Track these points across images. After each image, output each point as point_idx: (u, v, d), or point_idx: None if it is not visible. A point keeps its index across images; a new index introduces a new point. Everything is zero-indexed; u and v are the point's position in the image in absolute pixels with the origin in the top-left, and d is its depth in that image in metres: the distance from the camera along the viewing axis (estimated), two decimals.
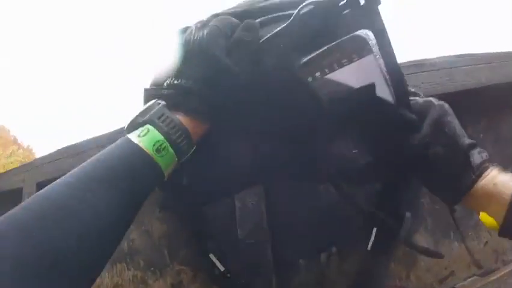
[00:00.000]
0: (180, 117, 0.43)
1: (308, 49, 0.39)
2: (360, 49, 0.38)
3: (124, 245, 1.17)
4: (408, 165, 0.46)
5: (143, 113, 0.43)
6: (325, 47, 0.39)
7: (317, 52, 0.39)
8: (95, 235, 0.35)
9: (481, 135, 1.08)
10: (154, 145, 0.40)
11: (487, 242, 1.11)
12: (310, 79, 0.40)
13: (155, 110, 0.42)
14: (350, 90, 0.39)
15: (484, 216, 0.44)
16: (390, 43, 0.39)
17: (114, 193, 0.37)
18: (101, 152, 0.40)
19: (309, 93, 0.41)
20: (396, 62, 0.41)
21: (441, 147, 0.43)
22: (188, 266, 1.08)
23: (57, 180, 0.38)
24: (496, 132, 1.10)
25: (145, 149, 0.40)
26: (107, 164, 0.39)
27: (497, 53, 1.24)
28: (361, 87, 0.39)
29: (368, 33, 0.37)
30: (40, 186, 1.32)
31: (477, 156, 0.44)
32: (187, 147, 0.43)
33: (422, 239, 1.03)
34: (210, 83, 0.42)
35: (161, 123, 0.41)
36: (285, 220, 0.90)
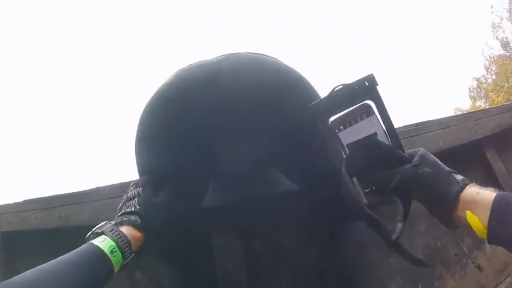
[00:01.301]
0: (124, 230, 0.67)
1: (335, 112, 0.63)
2: (367, 112, 0.61)
3: None
4: (403, 187, 0.58)
5: (100, 228, 0.66)
6: (346, 110, 0.62)
7: (339, 115, 0.62)
8: None
9: None
10: (109, 248, 0.62)
11: None
12: (336, 130, 0.63)
13: (107, 226, 0.67)
14: (360, 137, 0.61)
15: (469, 215, 0.52)
16: (385, 108, 0.60)
17: (81, 275, 0.56)
18: (73, 251, 0.59)
19: (335, 141, 0.63)
20: (391, 120, 0.61)
21: (429, 169, 0.57)
22: None
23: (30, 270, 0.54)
24: None
25: (103, 250, 0.61)
26: (77, 255, 0.59)
27: (451, 116, 1.40)
28: (368, 136, 0.61)
29: (371, 102, 0.60)
30: (4, 236, 1.27)
31: (458, 176, 0.57)
32: (129, 252, 0.65)
33: None
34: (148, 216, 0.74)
35: (112, 235, 0.64)
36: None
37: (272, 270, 0.97)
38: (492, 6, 15.07)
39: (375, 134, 0.60)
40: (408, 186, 0.57)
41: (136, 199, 0.76)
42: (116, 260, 0.61)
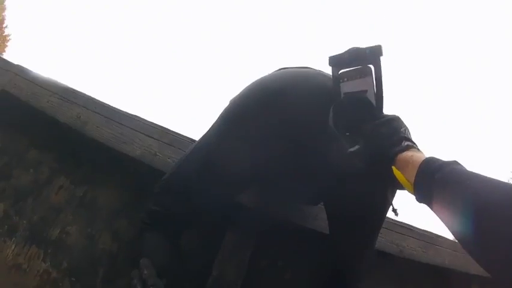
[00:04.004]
0: None
1: (346, 66, 0.74)
2: (367, 73, 0.71)
3: (55, 231, 0.99)
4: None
5: None
6: (351, 68, 0.73)
7: (347, 69, 0.73)
8: None
9: None
10: None
11: None
12: (341, 81, 0.74)
13: None
14: (355, 90, 0.73)
15: (394, 170, 0.62)
16: (381, 75, 0.70)
17: None
18: None
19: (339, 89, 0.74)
20: (382, 85, 0.71)
21: (386, 130, 0.67)
22: None
23: None
24: None
25: None
26: None
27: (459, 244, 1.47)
28: (361, 90, 0.72)
29: (371, 67, 0.71)
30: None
31: (410, 142, 0.65)
32: None
33: None
34: None
35: None
36: None
37: None
38: None
39: (366, 91, 0.72)
40: (365, 139, 0.68)
41: None
42: None
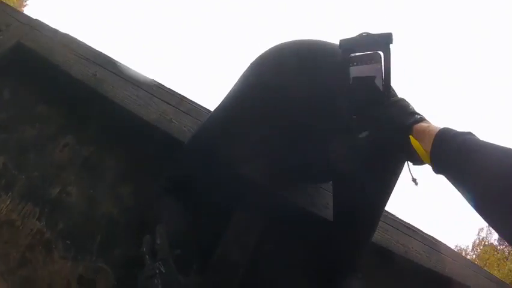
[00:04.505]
0: None
1: (356, 50, 0.74)
2: (376, 59, 0.72)
3: (54, 190, 0.94)
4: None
5: None
6: (362, 53, 0.73)
7: (357, 54, 0.73)
8: None
9: None
10: None
11: None
12: (351, 65, 0.74)
13: None
14: (363, 75, 0.74)
15: (412, 139, 0.63)
16: (390, 62, 0.71)
17: None
18: None
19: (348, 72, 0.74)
20: (390, 72, 0.72)
21: (395, 109, 0.69)
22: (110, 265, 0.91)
23: None
24: None
25: None
26: None
27: (459, 254, 1.46)
28: (369, 76, 0.73)
29: (381, 53, 0.71)
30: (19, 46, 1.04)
31: (419, 115, 0.67)
32: None
33: None
34: None
35: None
36: None
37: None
38: None
39: (374, 77, 0.73)
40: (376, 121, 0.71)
41: (158, 277, 0.67)
42: None
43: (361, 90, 0.74)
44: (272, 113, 0.82)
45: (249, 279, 0.88)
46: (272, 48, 0.89)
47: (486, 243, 14.61)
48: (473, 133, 0.58)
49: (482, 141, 0.56)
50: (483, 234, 15.11)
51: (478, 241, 14.37)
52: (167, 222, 0.75)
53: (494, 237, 14.84)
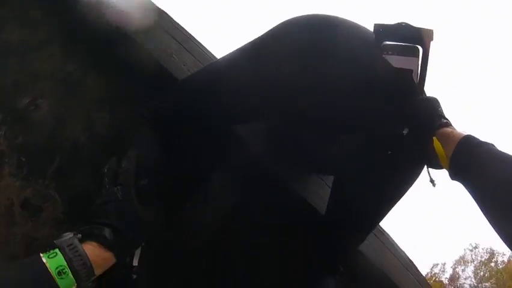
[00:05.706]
0: (88, 247, 0.53)
1: (390, 39, 0.72)
2: (414, 53, 0.71)
3: (24, 100, 0.84)
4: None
5: (59, 238, 0.53)
6: (398, 43, 0.71)
7: (393, 43, 0.71)
8: None
9: None
10: (56, 268, 0.48)
11: None
12: (385, 53, 0.71)
13: (67, 238, 0.52)
14: (399, 66, 0.71)
15: (435, 141, 0.62)
16: (427, 59, 0.70)
17: None
18: (16, 264, 0.53)
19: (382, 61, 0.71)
20: (426, 69, 0.70)
21: (426, 107, 0.69)
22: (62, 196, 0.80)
23: None
24: None
25: (49, 269, 0.48)
26: (18, 272, 0.49)
27: None
28: (407, 69, 0.71)
29: (420, 48, 0.70)
30: None
31: (446, 120, 0.66)
32: (86, 276, 0.51)
33: None
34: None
35: (68, 251, 0.50)
36: None
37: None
38: None
39: (412, 71, 0.71)
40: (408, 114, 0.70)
41: (113, 204, 0.58)
42: (64, 283, 0.49)
43: (399, 83, 0.71)
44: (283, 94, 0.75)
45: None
46: (293, 21, 0.80)
47: (437, 279, 14.54)
48: (495, 145, 0.58)
49: (505, 153, 0.56)
50: (436, 270, 15.02)
51: (429, 275, 14.34)
52: (139, 147, 0.66)
53: (445, 275, 14.74)
